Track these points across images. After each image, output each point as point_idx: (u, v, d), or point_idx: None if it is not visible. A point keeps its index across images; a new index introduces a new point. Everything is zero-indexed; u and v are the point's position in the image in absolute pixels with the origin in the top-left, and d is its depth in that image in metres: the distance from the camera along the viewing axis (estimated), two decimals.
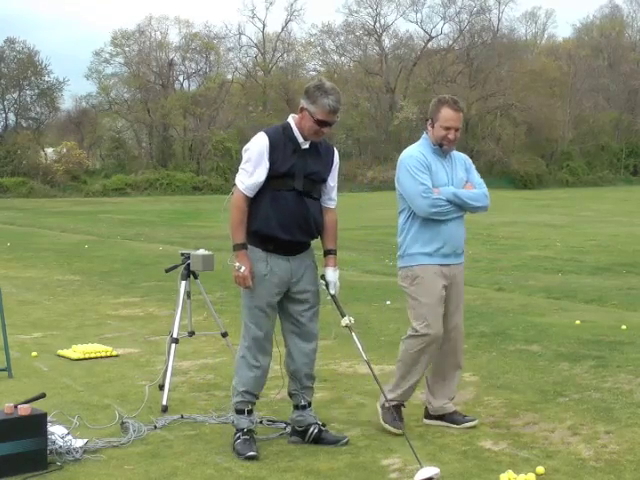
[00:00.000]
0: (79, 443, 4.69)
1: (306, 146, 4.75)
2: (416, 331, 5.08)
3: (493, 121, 65.03)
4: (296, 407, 4.93)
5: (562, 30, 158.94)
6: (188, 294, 6.04)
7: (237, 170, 4.78)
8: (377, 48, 67.08)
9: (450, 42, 67.68)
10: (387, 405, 4.96)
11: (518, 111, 63.37)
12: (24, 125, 56.87)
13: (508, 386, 6.06)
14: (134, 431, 4.99)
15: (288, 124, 4.76)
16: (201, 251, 5.97)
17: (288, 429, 5.04)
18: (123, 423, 5.11)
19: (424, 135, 5.15)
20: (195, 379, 6.39)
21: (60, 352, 7.29)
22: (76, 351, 7.19)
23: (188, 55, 63.03)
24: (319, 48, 67.28)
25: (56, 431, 4.69)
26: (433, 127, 5.04)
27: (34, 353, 7.31)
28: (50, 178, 50.71)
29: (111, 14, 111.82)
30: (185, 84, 64.30)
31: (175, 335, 5.86)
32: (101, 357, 7.16)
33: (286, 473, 4.39)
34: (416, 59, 65.30)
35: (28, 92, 57.54)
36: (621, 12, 76.31)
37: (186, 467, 4.49)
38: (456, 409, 5.23)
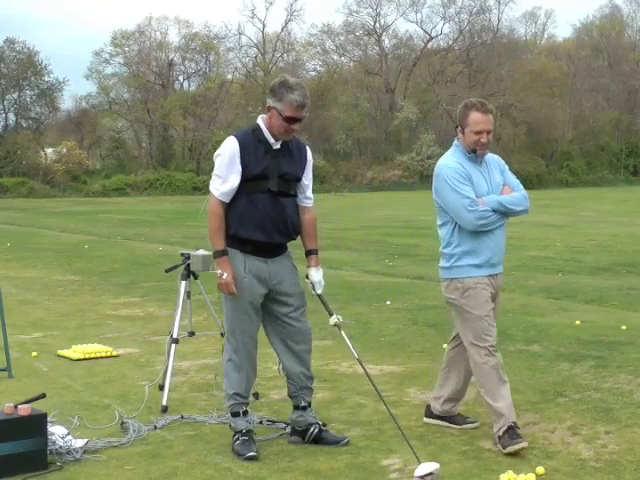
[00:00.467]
0: (79, 443, 4.69)
1: (277, 146, 4.72)
2: (477, 345, 4.84)
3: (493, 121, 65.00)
4: (296, 408, 4.93)
5: (562, 30, 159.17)
6: (188, 294, 6.03)
7: None
8: (377, 48, 67.10)
9: (450, 42, 67.72)
10: (499, 434, 4.72)
11: (518, 111, 63.38)
12: (24, 125, 56.88)
13: None
14: (134, 431, 4.99)
15: (258, 126, 4.73)
16: (201, 251, 5.97)
17: (288, 429, 5.04)
18: (123, 423, 5.11)
19: (455, 142, 4.96)
20: (195, 379, 6.39)
21: (60, 352, 7.29)
22: (76, 351, 7.19)
23: (188, 55, 63.05)
24: (319, 48, 67.33)
25: (56, 431, 4.69)
26: (464, 133, 4.86)
27: (34, 353, 7.31)
28: (50, 178, 50.72)
29: (111, 14, 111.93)
30: (185, 84, 64.38)
31: (175, 335, 5.86)
32: (101, 357, 7.15)
33: (286, 473, 4.39)
34: (416, 59, 65.31)
35: (28, 92, 57.57)
36: (621, 12, 76.39)
37: (186, 467, 4.49)
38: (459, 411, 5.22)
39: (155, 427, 5.14)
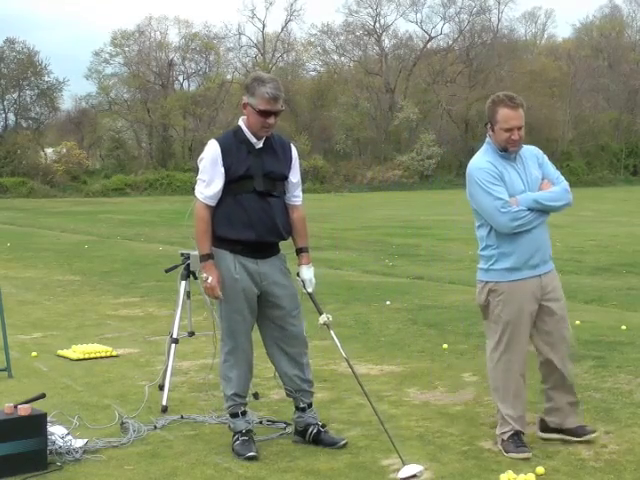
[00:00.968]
0: (79, 443, 4.70)
1: (260, 145, 4.72)
2: (495, 349, 4.74)
3: None
4: (296, 408, 4.94)
5: (562, 30, 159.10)
6: (188, 294, 6.03)
7: None
8: (377, 48, 67.08)
9: (450, 42, 67.71)
10: (504, 438, 4.65)
11: None
12: (24, 125, 56.88)
13: None
14: (134, 431, 4.99)
15: (239, 127, 4.74)
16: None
17: (288, 429, 5.05)
18: (123, 423, 5.11)
19: (487, 140, 4.74)
20: (195, 379, 6.39)
21: (60, 352, 7.29)
22: (76, 351, 7.19)
23: (188, 55, 63.06)
24: (319, 48, 67.34)
25: (56, 431, 4.69)
26: (494, 131, 4.65)
27: (34, 353, 7.31)
28: (50, 178, 50.73)
29: (111, 14, 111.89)
30: (185, 84, 64.39)
31: (175, 335, 5.87)
32: (101, 357, 7.15)
33: (286, 473, 4.39)
34: (416, 59, 65.30)
35: (28, 92, 57.57)
36: (621, 12, 76.28)
37: (186, 467, 4.49)
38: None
39: (155, 427, 5.14)
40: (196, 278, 6.04)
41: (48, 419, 4.59)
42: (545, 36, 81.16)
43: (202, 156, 4.74)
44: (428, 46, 66.59)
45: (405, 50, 67.28)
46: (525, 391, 4.79)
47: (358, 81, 64.34)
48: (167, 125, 60.02)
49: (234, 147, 4.68)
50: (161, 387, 5.77)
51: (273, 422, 5.22)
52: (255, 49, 66.98)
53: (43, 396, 4.94)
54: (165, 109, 58.10)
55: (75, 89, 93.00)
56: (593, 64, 69.76)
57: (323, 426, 4.89)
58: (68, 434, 4.73)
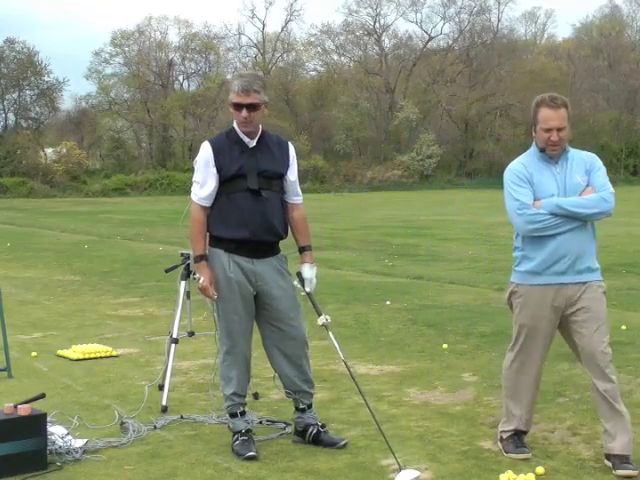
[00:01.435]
0: (79, 443, 4.70)
1: (253, 144, 4.73)
2: (512, 349, 4.71)
3: (493, 121, 65.06)
4: (296, 409, 4.94)
5: (562, 30, 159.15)
6: (188, 294, 6.03)
7: None
8: (377, 48, 67.11)
9: (450, 42, 67.72)
10: (503, 436, 4.66)
11: (518, 111, 63.32)
12: (24, 125, 56.92)
13: None
14: (134, 431, 4.99)
15: (232, 128, 4.78)
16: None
17: (288, 429, 5.05)
18: (123, 423, 5.11)
19: (533, 142, 4.66)
20: (195, 379, 6.39)
21: (60, 352, 7.29)
22: (76, 351, 7.19)
23: (188, 55, 63.09)
24: (319, 48, 67.37)
25: (56, 431, 4.69)
26: (536, 132, 4.55)
27: (34, 353, 7.31)
28: (50, 178, 50.74)
29: (111, 14, 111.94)
30: (185, 84, 64.41)
31: (175, 335, 5.86)
32: (101, 357, 7.15)
33: (286, 473, 4.39)
34: (416, 59, 65.31)
35: (28, 92, 57.60)
36: (621, 12, 76.27)
37: (186, 467, 4.49)
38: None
39: (155, 427, 5.14)
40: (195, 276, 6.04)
41: (48, 419, 4.59)
42: (545, 36, 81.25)
43: (196, 158, 4.79)
44: (428, 46, 66.63)
45: (405, 50, 67.31)
46: (535, 394, 4.73)
47: (358, 81, 64.36)
48: (167, 125, 60.03)
49: (226, 147, 4.71)
50: (161, 387, 5.77)
51: (273, 422, 5.22)
52: (255, 49, 67.07)
53: (43, 396, 4.94)
54: (165, 109, 58.10)
55: (75, 89, 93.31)
56: (593, 64, 69.77)
57: (323, 426, 4.89)
58: (68, 434, 4.73)
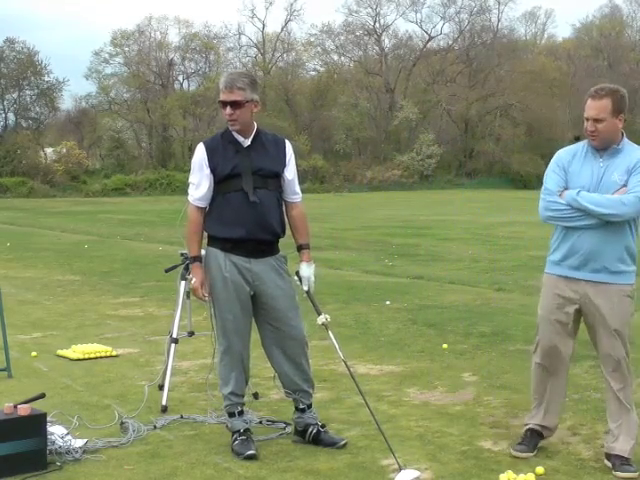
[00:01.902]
0: (79, 443, 4.69)
1: (248, 143, 4.73)
2: (533, 342, 4.74)
3: (493, 121, 65.07)
4: (296, 409, 4.94)
5: (562, 30, 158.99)
6: (188, 294, 6.02)
7: None
8: (377, 48, 67.14)
9: (450, 42, 67.74)
10: (526, 428, 4.70)
11: (518, 111, 63.39)
12: (24, 125, 56.92)
13: (508, 386, 6.06)
14: (134, 431, 4.98)
15: (227, 129, 4.78)
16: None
17: (288, 429, 5.05)
18: (123, 423, 5.11)
19: None
20: (195, 379, 6.39)
21: (60, 352, 7.28)
22: (76, 351, 7.19)
23: (188, 55, 63.12)
24: (319, 48, 67.38)
25: (56, 431, 4.69)
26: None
27: (34, 353, 7.31)
28: (50, 178, 50.74)
29: (111, 14, 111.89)
30: (185, 84, 64.42)
31: (175, 335, 5.87)
32: (101, 357, 7.15)
33: (286, 473, 4.39)
34: (416, 59, 65.34)
35: (28, 92, 57.61)
36: (621, 12, 76.25)
37: (186, 467, 4.49)
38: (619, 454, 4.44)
39: (155, 427, 5.14)
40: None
41: (48, 419, 4.59)
42: (545, 36, 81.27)
43: (192, 160, 4.81)
44: (428, 46, 66.65)
45: (405, 50, 67.34)
46: (548, 392, 4.67)
47: (358, 81, 64.38)
48: (167, 125, 60.06)
49: (220, 147, 4.72)
50: (161, 387, 5.77)
51: (273, 422, 5.22)
52: (255, 49, 67.10)
53: (43, 396, 4.94)
54: (165, 109, 58.12)
55: (75, 89, 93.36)
56: (593, 64, 69.76)
57: (323, 426, 4.89)
58: (68, 434, 4.73)
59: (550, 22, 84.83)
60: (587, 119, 4.42)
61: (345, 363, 4.86)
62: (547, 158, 4.79)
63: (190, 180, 4.80)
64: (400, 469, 4.27)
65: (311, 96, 64.04)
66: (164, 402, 5.52)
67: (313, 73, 68.58)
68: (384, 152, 60.69)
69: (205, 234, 4.83)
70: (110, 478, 4.35)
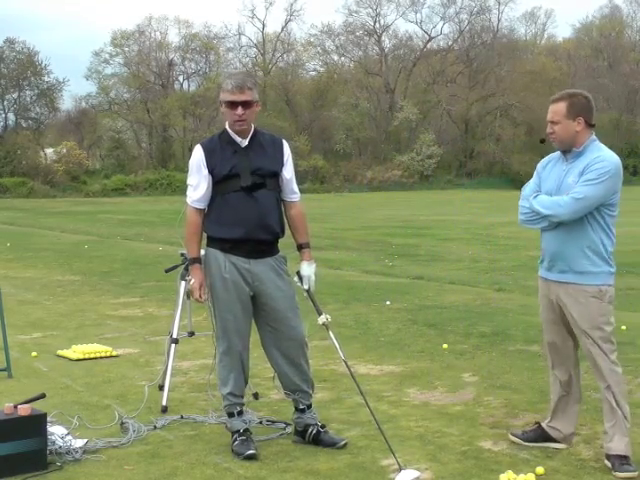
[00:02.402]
0: (79, 443, 4.69)
1: (245, 143, 4.73)
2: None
3: (493, 121, 65.08)
4: (295, 409, 4.94)
5: (562, 30, 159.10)
6: (188, 294, 6.02)
7: None
8: (377, 48, 67.14)
9: (450, 42, 67.75)
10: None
11: (518, 111, 63.37)
12: (24, 125, 56.94)
13: (508, 386, 6.06)
14: (134, 431, 4.99)
15: (224, 129, 4.78)
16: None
17: (288, 429, 5.05)
18: (123, 423, 5.11)
19: None
20: (195, 379, 6.39)
21: (60, 352, 7.28)
22: (76, 351, 7.19)
23: (188, 55, 63.15)
24: (319, 48, 67.40)
25: (56, 431, 4.69)
26: None
27: (34, 353, 7.31)
28: (50, 178, 50.76)
29: (111, 14, 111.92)
30: (185, 84, 64.43)
31: (175, 335, 5.87)
32: (101, 357, 7.15)
33: (286, 473, 4.39)
34: (416, 59, 65.34)
35: (28, 92, 57.64)
36: (621, 12, 76.27)
37: (186, 467, 4.49)
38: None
39: (155, 427, 5.14)
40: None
41: (48, 419, 4.59)
42: (545, 36, 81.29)
43: (190, 162, 4.81)
44: (428, 46, 66.67)
45: (405, 50, 67.35)
46: (554, 393, 4.76)
47: (358, 81, 64.38)
48: (167, 125, 60.05)
49: (218, 148, 4.72)
50: (161, 387, 5.77)
51: (273, 422, 5.22)
52: (255, 49, 67.11)
53: (43, 396, 4.94)
54: (165, 109, 58.12)
55: (75, 89, 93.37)
56: (593, 64, 69.81)
57: (323, 426, 4.89)
58: (68, 434, 4.73)
59: (550, 22, 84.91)
60: (547, 122, 4.56)
61: (346, 363, 4.86)
62: (595, 173, 4.76)
63: (188, 182, 4.80)
64: (400, 469, 4.27)
65: (311, 96, 64.04)
66: (164, 402, 5.52)
67: (313, 73, 68.65)
68: (384, 152, 60.68)
69: (204, 235, 4.83)
70: (110, 478, 4.35)
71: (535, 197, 4.55)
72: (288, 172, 4.84)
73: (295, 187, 4.92)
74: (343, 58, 68.67)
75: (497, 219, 26.04)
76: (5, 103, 57.05)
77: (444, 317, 8.98)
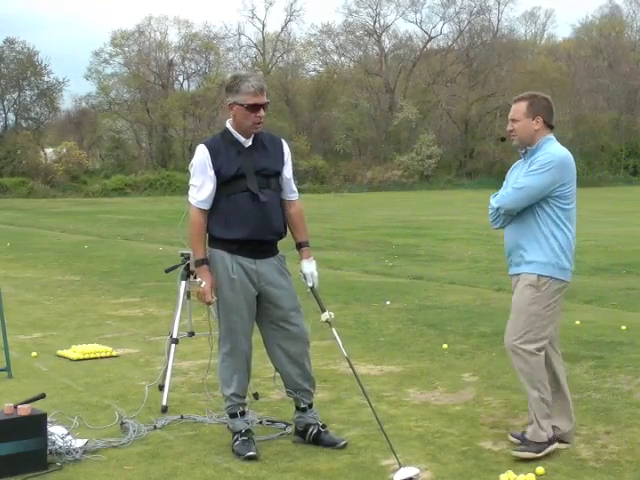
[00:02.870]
0: (79, 443, 4.69)
1: (249, 143, 4.72)
2: None
3: (493, 121, 65.03)
4: (297, 408, 4.94)
5: (562, 30, 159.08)
6: (188, 294, 6.03)
7: None
8: (377, 48, 67.12)
9: (450, 42, 67.73)
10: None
11: None
12: (24, 125, 56.94)
13: (508, 386, 6.06)
14: (134, 431, 4.99)
15: (227, 129, 4.75)
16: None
17: (288, 429, 5.05)
18: (123, 423, 5.11)
19: None
20: (195, 379, 6.39)
21: (60, 352, 7.29)
22: (76, 351, 7.19)
23: (188, 55, 63.14)
24: (319, 48, 67.38)
25: (56, 431, 4.69)
26: None
27: (34, 353, 7.31)
28: (50, 178, 50.76)
29: (111, 14, 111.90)
30: (185, 84, 64.42)
31: (175, 335, 5.87)
32: (101, 357, 7.15)
33: (286, 473, 4.39)
34: (416, 59, 65.33)
35: (28, 92, 57.64)
36: (621, 12, 76.20)
37: (186, 467, 4.49)
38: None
39: (155, 427, 5.14)
40: (196, 278, 6.03)
41: (48, 419, 4.59)
42: (545, 36, 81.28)
43: (192, 162, 4.75)
44: (428, 46, 66.64)
45: (405, 50, 67.33)
46: (550, 393, 4.70)
47: (358, 81, 64.36)
48: (167, 125, 60.04)
49: (223, 148, 4.69)
50: (161, 387, 5.77)
51: (273, 422, 5.22)
52: (255, 49, 67.09)
53: (43, 396, 4.94)
54: (165, 109, 58.11)
55: (75, 89, 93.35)
56: (593, 64, 69.74)
57: (323, 426, 4.89)
58: (68, 434, 4.73)
59: (550, 22, 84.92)
60: (509, 120, 4.74)
61: (348, 360, 4.87)
62: (535, 166, 4.83)
63: (191, 182, 4.73)
64: (400, 466, 4.27)
65: (311, 96, 64.01)
66: (164, 402, 5.52)
67: (313, 73, 68.62)
68: (384, 152, 60.66)
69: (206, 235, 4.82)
70: (110, 478, 4.35)
71: (493, 196, 4.77)
72: (288, 171, 4.85)
73: (294, 186, 4.92)
74: (343, 58, 68.72)
75: None
76: (5, 103, 57.07)
77: (444, 317, 8.98)
